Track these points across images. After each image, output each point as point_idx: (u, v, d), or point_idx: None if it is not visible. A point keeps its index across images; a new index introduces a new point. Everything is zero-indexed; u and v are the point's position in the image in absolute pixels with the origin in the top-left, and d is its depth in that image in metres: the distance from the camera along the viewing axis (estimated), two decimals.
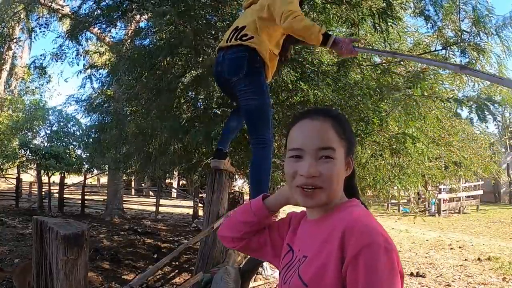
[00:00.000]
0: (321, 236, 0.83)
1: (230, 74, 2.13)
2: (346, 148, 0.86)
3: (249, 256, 2.79)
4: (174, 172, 11.26)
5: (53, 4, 6.56)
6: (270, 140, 2.15)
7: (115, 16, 4.45)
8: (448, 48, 3.71)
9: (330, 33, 1.99)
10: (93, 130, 6.10)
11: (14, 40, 11.76)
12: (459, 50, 3.66)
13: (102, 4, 4.62)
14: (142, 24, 5.46)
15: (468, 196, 17.61)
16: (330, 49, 2.08)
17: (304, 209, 0.94)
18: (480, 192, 17.68)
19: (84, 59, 5.22)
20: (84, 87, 5.80)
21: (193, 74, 4.61)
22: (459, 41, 3.59)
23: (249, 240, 1.02)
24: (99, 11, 4.55)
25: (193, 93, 4.72)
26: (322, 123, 0.84)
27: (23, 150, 12.87)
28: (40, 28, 6.54)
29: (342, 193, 0.90)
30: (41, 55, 6.20)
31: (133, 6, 4.39)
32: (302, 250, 0.88)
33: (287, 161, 0.86)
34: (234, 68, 2.11)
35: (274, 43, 2.21)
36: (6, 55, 13.88)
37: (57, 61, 5.56)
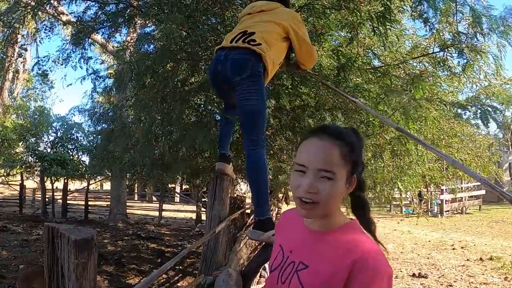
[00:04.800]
0: (325, 252, 0.90)
1: (233, 73, 2.14)
2: (350, 168, 0.90)
3: (251, 259, 2.83)
4: (177, 177, 11.30)
5: (57, 10, 6.64)
6: (263, 141, 2.21)
7: (119, 21, 4.50)
8: (446, 50, 3.76)
9: None
10: (97, 136, 6.16)
11: (18, 46, 11.84)
12: (457, 52, 3.71)
13: (106, 9, 4.69)
14: (147, 30, 5.51)
15: (471, 196, 17.58)
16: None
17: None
18: (483, 192, 17.65)
19: (87, 64, 5.24)
20: (92, 98, 5.87)
21: (195, 80, 4.65)
22: (457, 42, 3.63)
23: None
24: (103, 16, 4.62)
25: (196, 98, 4.75)
26: (329, 145, 0.89)
27: (29, 156, 12.95)
28: (45, 32, 6.63)
29: (339, 210, 0.96)
30: (44, 56, 6.31)
31: (135, 12, 4.45)
32: (299, 256, 0.93)
33: (293, 173, 0.93)
34: (239, 68, 2.13)
35: (278, 56, 2.30)
36: (11, 59, 13.95)
37: (61, 65, 5.64)
